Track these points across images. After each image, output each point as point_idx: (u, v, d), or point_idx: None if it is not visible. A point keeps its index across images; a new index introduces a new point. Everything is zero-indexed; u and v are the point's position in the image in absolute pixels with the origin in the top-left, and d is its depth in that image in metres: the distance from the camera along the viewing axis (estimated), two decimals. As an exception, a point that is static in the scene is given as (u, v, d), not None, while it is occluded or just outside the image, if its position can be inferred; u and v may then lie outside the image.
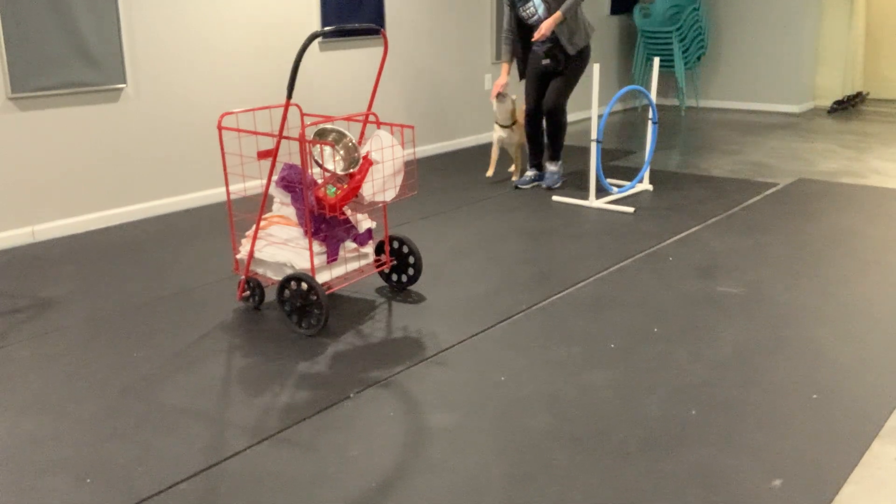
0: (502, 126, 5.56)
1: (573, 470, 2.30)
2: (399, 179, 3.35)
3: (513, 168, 5.79)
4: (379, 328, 3.31)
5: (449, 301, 3.57)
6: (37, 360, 3.07)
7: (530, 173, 5.64)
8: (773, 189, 5.47)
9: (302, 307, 3.23)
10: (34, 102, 4.46)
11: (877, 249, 4.18)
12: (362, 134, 3.59)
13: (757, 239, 4.39)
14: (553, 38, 5.21)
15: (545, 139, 5.50)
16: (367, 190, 3.24)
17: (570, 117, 8.62)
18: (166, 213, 5.15)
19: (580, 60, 5.28)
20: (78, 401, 2.75)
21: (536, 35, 5.08)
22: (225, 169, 3.37)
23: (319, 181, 3.33)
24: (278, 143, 3.20)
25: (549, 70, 5.27)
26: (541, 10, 5.17)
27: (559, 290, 3.69)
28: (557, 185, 5.50)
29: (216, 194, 5.41)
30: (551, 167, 5.53)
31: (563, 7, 5.09)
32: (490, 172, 5.75)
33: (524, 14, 5.22)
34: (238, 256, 3.53)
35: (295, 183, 3.34)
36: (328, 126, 3.33)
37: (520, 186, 5.54)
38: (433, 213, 5.00)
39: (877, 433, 2.47)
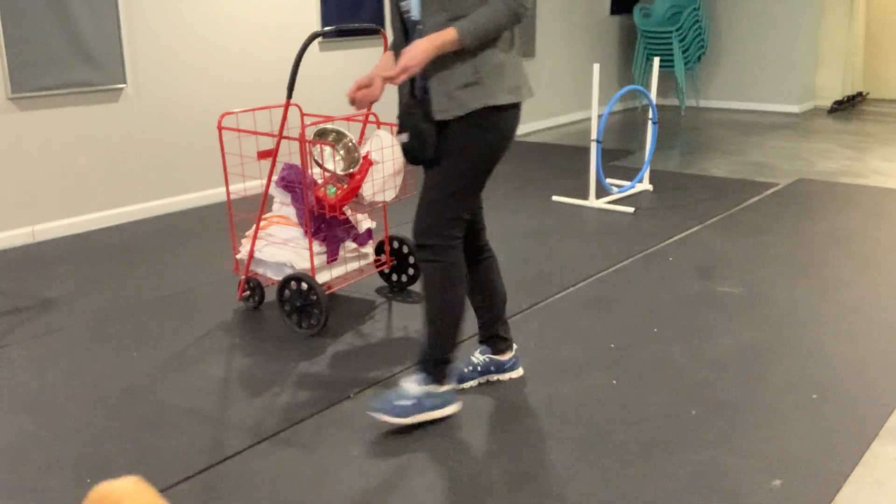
0: None
1: (573, 470, 2.30)
2: (399, 179, 3.35)
3: None
4: (379, 328, 3.31)
5: (449, 301, 3.57)
6: (37, 360, 3.07)
7: (478, 358, 2.82)
8: (773, 189, 5.47)
9: (302, 307, 3.22)
10: (34, 102, 4.46)
11: (877, 249, 4.18)
12: (362, 134, 3.59)
13: (757, 239, 4.39)
14: (422, 82, 2.45)
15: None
16: (367, 190, 3.24)
17: (570, 117, 8.62)
18: (166, 213, 5.15)
19: (477, 134, 2.41)
20: (78, 401, 2.75)
21: (395, 70, 2.31)
22: (225, 169, 3.37)
23: (319, 181, 3.33)
24: (278, 143, 3.20)
25: (412, 152, 2.47)
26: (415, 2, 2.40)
27: (559, 290, 3.69)
28: (406, 418, 2.52)
29: (216, 194, 5.41)
30: (409, 384, 2.55)
31: (468, 22, 2.30)
32: None
33: (402, 4, 2.46)
34: (238, 256, 3.53)
35: (295, 183, 3.34)
36: (328, 126, 3.33)
37: (463, 385, 2.79)
38: (433, 213, 4.99)
39: (877, 433, 2.47)
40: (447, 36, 2.30)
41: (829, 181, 5.66)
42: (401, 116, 2.48)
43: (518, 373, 2.88)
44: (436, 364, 2.53)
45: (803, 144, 7.04)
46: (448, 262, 2.47)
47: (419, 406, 2.53)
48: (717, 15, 9.04)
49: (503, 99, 2.41)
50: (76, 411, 2.68)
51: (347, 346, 3.14)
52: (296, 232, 3.38)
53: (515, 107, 2.47)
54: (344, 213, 3.40)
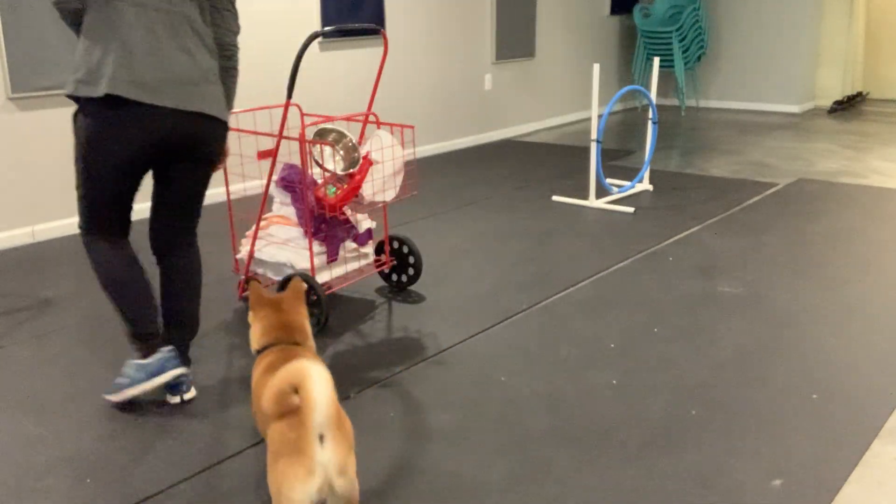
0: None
1: (573, 470, 2.30)
2: (399, 179, 3.35)
3: None
4: (379, 328, 3.31)
5: (449, 301, 3.57)
6: (37, 360, 3.07)
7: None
8: (773, 189, 5.47)
9: (302, 307, 3.22)
10: (34, 102, 4.46)
11: (877, 249, 4.18)
12: (362, 134, 3.59)
13: (757, 239, 4.39)
14: None
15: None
16: (367, 190, 3.24)
17: (570, 117, 8.62)
18: (166, 213, 5.14)
19: (76, 128, 2.44)
20: (78, 401, 2.75)
21: None
22: (225, 169, 3.37)
23: (319, 181, 3.33)
24: (278, 143, 3.20)
25: None
26: None
27: (559, 290, 3.69)
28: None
29: (216, 194, 5.41)
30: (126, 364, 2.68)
31: None
32: None
33: None
34: (238, 256, 3.53)
35: (295, 183, 3.34)
36: (328, 126, 3.33)
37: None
38: (433, 213, 5.00)
39: (877, 433, 2.47)
40: None
41: (829, 181, 5.66)
42: None
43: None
44: (131, 339, 2.66)
45: (803, 144, 7.04)
46: (88, 252, 2.62)
47: (132, 381, 2.64)
48: (717, 15, 9.04)
49: (68, 89, 2.39)
50: (76, 411, 2.68)
51: (347, 346, 3.14)
52: (296, 232, 3.38)
53: (92, 101, 2.33)
54: (344, 213, 3.40)
